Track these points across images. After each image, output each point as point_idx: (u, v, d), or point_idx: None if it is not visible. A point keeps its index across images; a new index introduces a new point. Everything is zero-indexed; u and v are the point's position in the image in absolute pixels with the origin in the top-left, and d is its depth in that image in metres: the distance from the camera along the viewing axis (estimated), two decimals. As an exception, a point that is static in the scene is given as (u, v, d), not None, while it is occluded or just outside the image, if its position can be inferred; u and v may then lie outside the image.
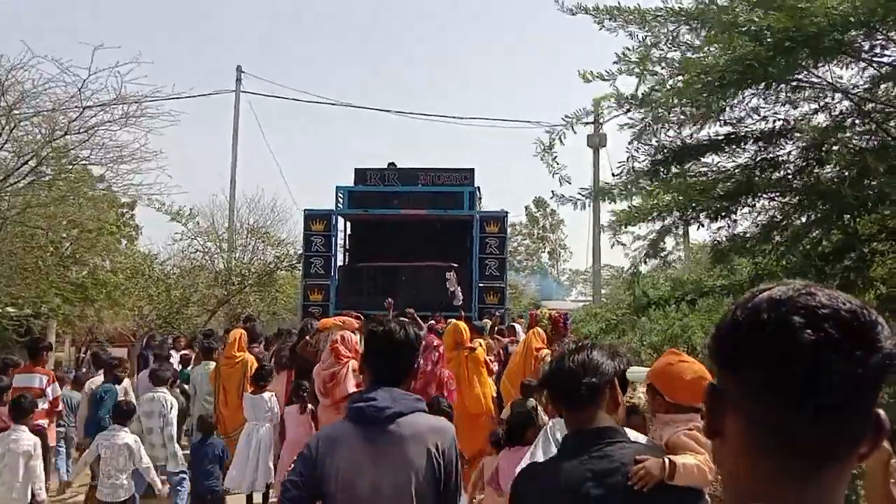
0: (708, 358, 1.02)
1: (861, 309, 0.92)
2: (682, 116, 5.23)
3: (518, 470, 2.59)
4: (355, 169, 18.91)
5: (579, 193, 6.17)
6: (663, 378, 2.77)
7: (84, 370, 11.58)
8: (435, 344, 8.09)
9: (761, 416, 0.92)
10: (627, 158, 5.72)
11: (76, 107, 11.95)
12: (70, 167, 12.73)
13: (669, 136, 5.55)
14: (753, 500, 0.93)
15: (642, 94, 5.21)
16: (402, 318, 3.26)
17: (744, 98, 5.17)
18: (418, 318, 10.20)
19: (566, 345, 2.48)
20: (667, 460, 2.13)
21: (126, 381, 8.56)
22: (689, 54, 5.14)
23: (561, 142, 5.80)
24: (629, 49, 5.22)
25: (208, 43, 64.81)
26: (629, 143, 5.59)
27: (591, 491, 2.03)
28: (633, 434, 2.34)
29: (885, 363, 0.90)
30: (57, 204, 12.51)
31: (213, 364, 9.11)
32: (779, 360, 0.90)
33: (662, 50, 5.22)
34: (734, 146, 5.55)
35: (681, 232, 6.28)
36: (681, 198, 5.26)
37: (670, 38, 5.04)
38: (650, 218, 5.60)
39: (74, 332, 18.90)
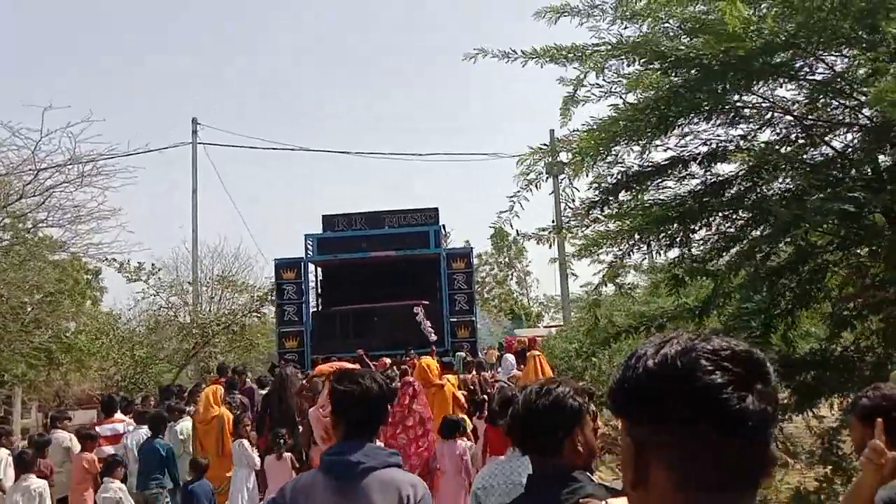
0: (615, 413, 1.08)
1: (751, 348, 1.03)
2: (620, 147, 5.36)
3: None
4: (322, 215, 19.28)
5: (542, 230, 6.29)
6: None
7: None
8: (409, 380, 8.14)
9: (686, 457, 0.99)
10: (565, 187, 5.86)
11: (30, 169, 11.86)
12: (28, 232, 12.55)
13: (608, 168, 5.68)
14: None
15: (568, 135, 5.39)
16: (366, 369, 3.26)
17: (681, 125, 5.29)
18: (368, 360, 10.27)
19: (531, 387, 2.46)
20: (605, 503, 2.16)
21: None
22: (618, 89, 5.30)
23: (536, 187, 5.91)
24: (566, 96, 5.39)
25: (163, 97, 64.72)
26: (576, 175, 5.70)
27: None
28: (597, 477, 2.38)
29: (776, 394, 1.03)
30: (17, 269, 12.30)
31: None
32: (695, 401, 0.98)
33: (595, 85, 5.37)
34: (679, 168, 5.68)
35: (638, 259, 6.37)
36: (632, 224, 5.35)
37: (600, 70, 5.17)
38: (606, 245, 5.68)
39: (41, 398, 18.46)
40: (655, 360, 1.02)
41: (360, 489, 2.62)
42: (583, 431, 2.29)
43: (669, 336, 1.05)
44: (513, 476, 3.13)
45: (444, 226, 19.17)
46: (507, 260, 41.88)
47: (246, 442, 8.13)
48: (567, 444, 2.25)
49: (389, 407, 3.25)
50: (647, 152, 5.42)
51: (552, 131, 6.68)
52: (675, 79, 4.83)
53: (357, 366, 8.07)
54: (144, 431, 8.72)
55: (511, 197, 5.96)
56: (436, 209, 18.96)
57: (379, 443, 3.27)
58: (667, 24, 5.29)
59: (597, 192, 5.66)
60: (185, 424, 9.43)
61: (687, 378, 0.98)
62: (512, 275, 43.27)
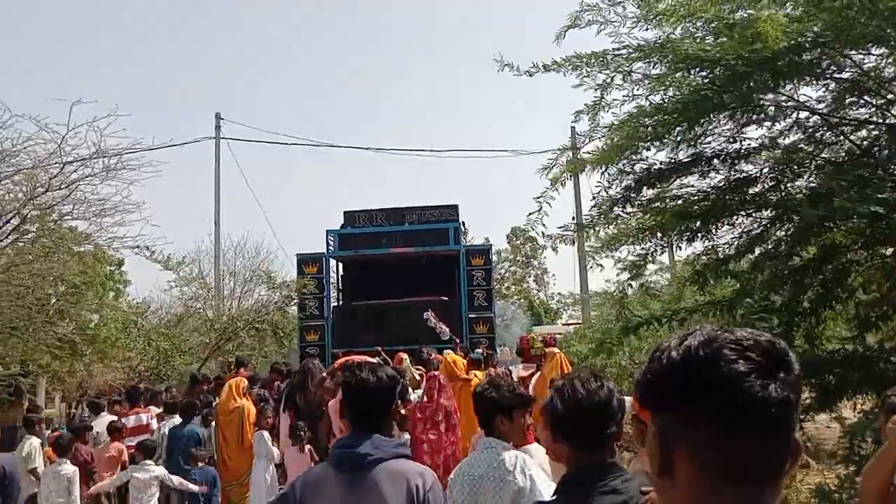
0: (641, 404, 1.10)
1: (773, 339, 1.05)
2: (645, 145, 5.35)
3: None
4: (344, 212, 19.49)
5: (563, 229, 6.31)
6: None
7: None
8: (434, 374, 8.19)
9: (710, 446, 1.01)
10: (599, 191, 5.87)
11: (56, 163, 11.92)
12: (54, 224, 12.68)
13: (635, 165, 5.68)
14: None
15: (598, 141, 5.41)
16: (373, 361, 3.30)
17: (706, 124, 5.28)
18: (386, 355, 10.37)
19: (579, 377, 2.32)
20: None
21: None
22: (641, 90, 5.30)
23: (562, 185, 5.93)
24: (586, 105, 5.43)
25: (187, 93, 65.28)
26: (601, 174, 5.71)
27: None
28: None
29: (800, 384, 1.05)
30: (42, 261, 12.44)
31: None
32: (719, 389, 1.00)
33: (619, 87, 5.38)
34: (703, 166, 5.66)
35: (661, 255, 6.37)
36: (654, 221, 5.34)
37: (626, 73, 5.17)
38: (628, 242, 5.68)
39: (64, 389, 18.71)
40: (679, 350, 1.04)
41: (370, 481, 2.63)
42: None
43: (693, 329, 1.08)
44: (472, 469, 3.18)
45: (463, 223, 19.32)
46: (524, 258, 41.88)
47: (266, 433, 8.20)
48: (616, 441, 2.26)
49: (400, 401, 3.25)
50: (673, 153, 5.42)
51: (573, 128, 6.66)
52: (701, 80, 4.82)
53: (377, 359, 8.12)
54: (178, 420, 9.00)
55: (538, 198, 5.98)
56: (456, 206, 19.11)
57: (406, 436, 3.32)
58: (690, 25, 5.28)
59: (619, 190, 5.67)
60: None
61: (710, 367, 1.00)
62: (530, 272, 43.24)
